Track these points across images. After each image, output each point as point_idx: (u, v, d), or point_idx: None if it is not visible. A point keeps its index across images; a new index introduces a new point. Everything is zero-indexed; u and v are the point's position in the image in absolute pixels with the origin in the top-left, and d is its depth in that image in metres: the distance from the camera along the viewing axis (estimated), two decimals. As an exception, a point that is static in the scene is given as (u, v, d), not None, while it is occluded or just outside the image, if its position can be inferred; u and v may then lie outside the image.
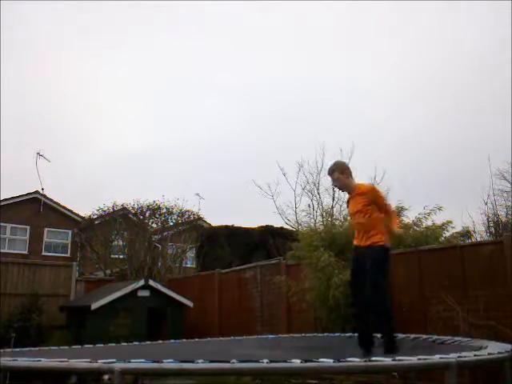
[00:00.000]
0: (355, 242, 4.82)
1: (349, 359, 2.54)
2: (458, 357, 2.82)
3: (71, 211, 20.23)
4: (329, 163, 5.09)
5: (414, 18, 28.60)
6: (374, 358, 2.55)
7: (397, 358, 2.65)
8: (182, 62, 34.55)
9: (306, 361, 2.50)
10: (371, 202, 4.63)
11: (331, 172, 4.85)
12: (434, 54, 27.84)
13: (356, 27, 28.92)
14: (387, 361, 2.55)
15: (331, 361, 2.48)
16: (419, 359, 2.67)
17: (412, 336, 5.65)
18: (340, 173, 4.76)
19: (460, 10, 27.04)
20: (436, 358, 2.72)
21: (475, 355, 2.98)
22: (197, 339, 7.57)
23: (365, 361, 2.49)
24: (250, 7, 31.56)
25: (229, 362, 2.54)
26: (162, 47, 32.92)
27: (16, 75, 30.70)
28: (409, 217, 9.85)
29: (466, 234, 9.56)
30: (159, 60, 33.85)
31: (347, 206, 5.07)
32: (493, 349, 3.41)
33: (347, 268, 7.56)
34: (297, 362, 2.49)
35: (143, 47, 32.70)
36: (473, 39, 28.56)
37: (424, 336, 5.59)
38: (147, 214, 16.67)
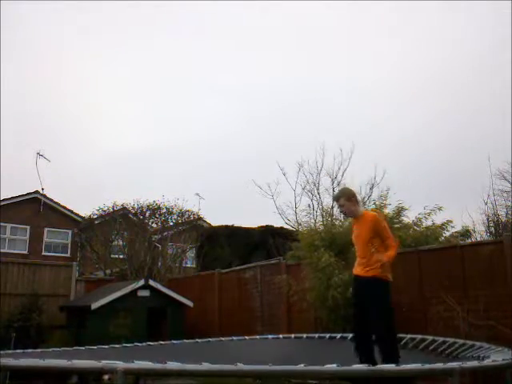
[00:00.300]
0: (355, 272, 4.75)
1: (353, 365, 2.53)
2: (462, 363, 2.81)
3: (71, 211, 20.22)
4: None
5: (414, 18, 28.63)
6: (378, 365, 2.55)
7: (400, 363, 2.65)
8: (182, 61, 34.57)
9: (309, 365, 2.50)
10: (375, 233, 4.56)
11: (337, 198, 4.84)
12: (434, 54, 27.86)
13: (356, 27, 28.94)
14: (391, 367, 2.55)
15: (334, 365, 2.47)
16: (423, 365, 2.67)
17: (419, 337, 5.61)
18: (346, 199, 4.73)
19: (460, 10, 27.07)
20: (440, 364, 2.71)
21: (479, 361, 2.98)
22: (197, 339, 7.57)
23: (368, 366, 2.49)
24: (250, 7, 31.56)
25: (232, 363, 2.55)
26: (162, 47, 32.94)
27: (16, 75, 30.71)
28: (409, 217, 9.87)
29: (466, 233, 9.58)
30: (159, 60, 33.87)
31: (352, 231, 4.94)
32: (496, 356, 3.40)
33: (347, 268, 7.59)
34: (300, 366, 2.49)
35: (143, 47, 32.72)
36: (473, 39, 28.59)
37: (429, 337, 5.56)
38: (147, 214, 16.68)
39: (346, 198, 4.73)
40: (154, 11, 31.67)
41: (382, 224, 4.66)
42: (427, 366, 2.68)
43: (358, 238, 4.70)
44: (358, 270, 4.66)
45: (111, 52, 33.32)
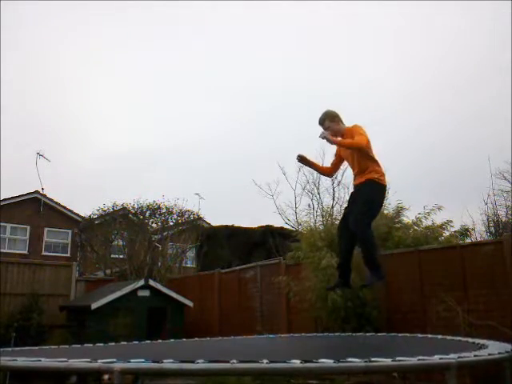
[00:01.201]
0: (353, 183, 4.82)
1: (349, 360, 2.53)
2: (458, 357, 2.81)
3: (71, 211, 20.23)
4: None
5: (413, 18, 28.62)
6: (374, 359, 2.54)
7: (397, 358, 2.65)
8: (182, 61, 34.55)
9: (305, 361, 2.49)
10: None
11: (322, 122, 4.83)
12: (434, 53, 27.87)
13: (356, 27, 28.95)
14: (387, 361, 2.54)
15: (331, 361, 2.47)
16: (419, 359, 2.67)
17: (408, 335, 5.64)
18: (330, 120, 4.76)
19: (460, 10, 27.06)
20: (436, 358, 2.71)
21: (475, 355, 2.98)
22: (197, 339, 7.55)
23: (365, 361, 2.48)
24: (250, 7, 31.55)
25: (229, 362, 2.54)
26: (162, 47, 32.96)
27: (16, 75, 30.74)
28: (409, 217, 9.87)
29: (465, 232, 9.59)
30: (159, 60, 33.88)
31: (336, 152, 4.99)
32: (493, 349, 3.40)
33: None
34: (297, 363, 2.49)
35: (143, 47, 32.73)
36: (473, 39, 28.58)
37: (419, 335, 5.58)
38: (147, 214, 16.66)
39: (329, 119, 4.77)
40: (153, 11, 31.70)
41: (357, 129, 4.64)
42: (422, 361, 2.67)
43: (348, 154, 4.74)
44: (355, 181, 4.73)
45: (111, 52, 33.36)
